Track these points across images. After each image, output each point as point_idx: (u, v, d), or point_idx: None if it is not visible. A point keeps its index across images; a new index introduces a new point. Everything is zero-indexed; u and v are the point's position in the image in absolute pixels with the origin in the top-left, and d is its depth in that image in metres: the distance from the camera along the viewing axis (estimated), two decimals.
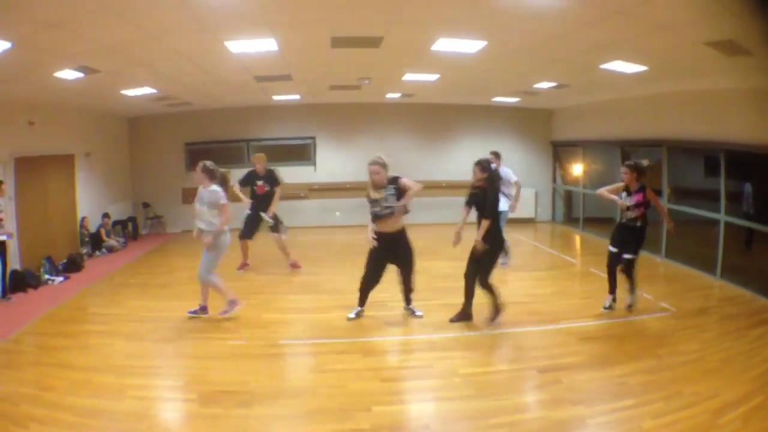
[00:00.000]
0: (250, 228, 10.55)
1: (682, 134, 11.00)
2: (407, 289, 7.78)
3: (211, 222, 7.54)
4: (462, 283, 7.50)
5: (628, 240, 7.70)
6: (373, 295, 7.64)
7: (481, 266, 7.27)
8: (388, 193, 7.18)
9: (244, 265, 10.91)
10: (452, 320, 7.52)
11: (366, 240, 7.37)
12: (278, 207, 10.63)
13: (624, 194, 7.67)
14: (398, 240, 7.44)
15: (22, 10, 5.30)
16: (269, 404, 5.34)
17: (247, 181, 10.51)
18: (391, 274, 7.63)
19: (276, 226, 10.49)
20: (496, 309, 7.36)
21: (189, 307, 8.11)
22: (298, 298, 8.68)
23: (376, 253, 7.47)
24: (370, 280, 7.62)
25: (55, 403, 5.30)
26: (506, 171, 10.38)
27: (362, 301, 7.75)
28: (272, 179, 10.58)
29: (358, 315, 7.72)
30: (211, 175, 7.63)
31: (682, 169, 12.02)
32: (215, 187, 7.57)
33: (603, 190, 7.99)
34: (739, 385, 5.48)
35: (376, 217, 7.27)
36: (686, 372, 5.86)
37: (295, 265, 10.93)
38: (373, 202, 7.24)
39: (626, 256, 7.70)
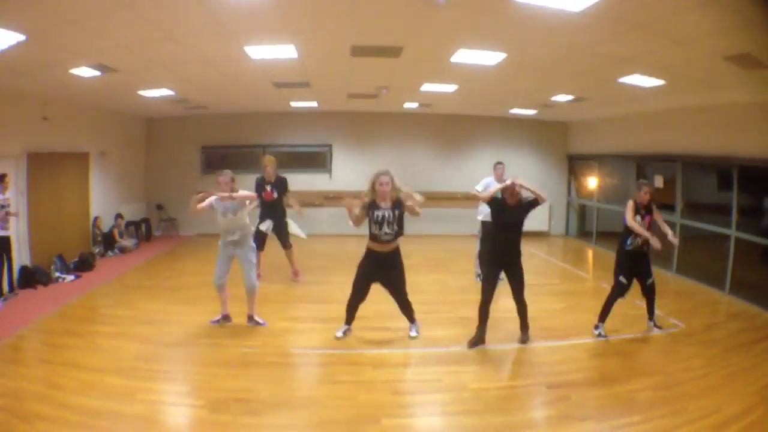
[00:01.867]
0: (259, 240, 9.81)
1: (696, 149, 10.99)
2: (407, 311, 7.52)
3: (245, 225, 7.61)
4: (477, 297, 7.40)
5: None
6: (384, 307, 7.58)
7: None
8: (392, 215, 6.97)
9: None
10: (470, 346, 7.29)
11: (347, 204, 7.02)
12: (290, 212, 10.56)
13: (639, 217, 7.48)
14: (391, 260, 7.18)
15: (36, 3, 5.27)
16: (278, 413, 5.32)
17: (257, 188, 10.01)
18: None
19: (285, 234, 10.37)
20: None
21: (200, 312, 8.19)
22: (309, 307, 8.65)
23: (365, 270, 7.23)
24: (356, 299, 7.39)
25: (62, 402, 5.33)
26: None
27: (350, 318, 7.52)
28: (281, 186, 10.30)
29: (346, 333, 7.50)
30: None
31: (695, 184, 11.96)
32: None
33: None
34: (741, 400, 5.59)
35: (375, 239, 7.02)
36: (692, 388, 5.92)
37: (296, 274, 10.79)
38: (376, 218, 6.95)
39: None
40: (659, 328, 7.78)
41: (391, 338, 7.48)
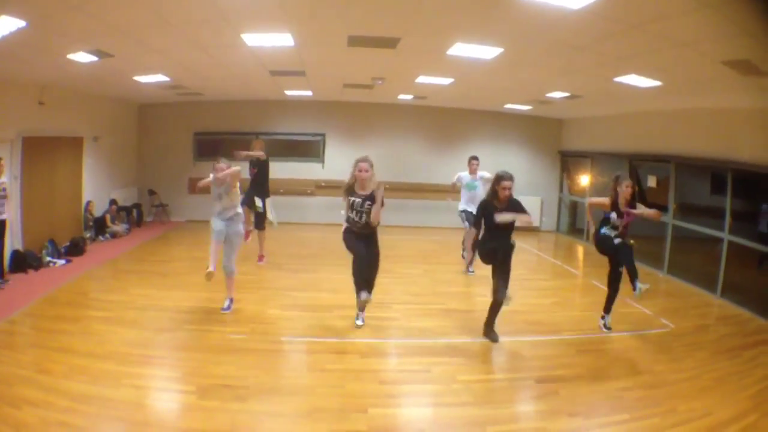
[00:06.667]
0: (258, 220, 10.62)
1: (690, 151, 11.01)
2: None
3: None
4: (466, 289, 7.44)
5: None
6: (374, 296, 7.55)
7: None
8: (363, 205, 7.02)
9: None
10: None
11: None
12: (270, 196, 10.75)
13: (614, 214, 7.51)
14: (369, 237, 7.23)
15: None
16: (267, 400, 5.35)
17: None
18: (393, 275, 7.57)
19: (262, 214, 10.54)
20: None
21: (190, 297, 8.21)
22: (299, 295, 8.66)
23: (353, 243, 7.17)
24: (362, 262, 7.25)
25: (51, 387, 5.32)
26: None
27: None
28: (265, 166, 10.59)
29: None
30: None
31: (688, 186, 12.01)
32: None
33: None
34: (732, 405, 5.57)
35: (352, 225, 7.14)
36: (682, 389, 5.92)
37: (261, 258, 10.96)
38: (351, 204, 7.06)
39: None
40: (608, 329, 7.75)
41: (380, 327, 7.52)
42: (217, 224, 7.78)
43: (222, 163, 7.68)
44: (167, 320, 7.47)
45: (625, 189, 7.40)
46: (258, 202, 10.38)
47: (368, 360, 6.47)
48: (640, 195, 12.98)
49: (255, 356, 6.39)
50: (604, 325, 7.74)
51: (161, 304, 8.13)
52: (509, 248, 7.03)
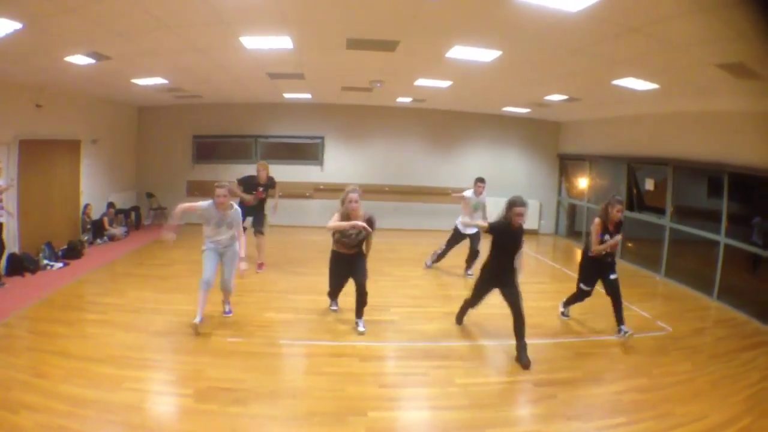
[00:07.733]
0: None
1: (688, 154, 11.03)
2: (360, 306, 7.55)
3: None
4: (464, 293, 7.48)
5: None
6: (372, 300, 7.56)
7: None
8: (360, 234, 7.33)
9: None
10: None
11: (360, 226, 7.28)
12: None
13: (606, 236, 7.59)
14: (357, 257, 7.54)
15: None
16: (265, 404, 5.35)
17: (248, 186, 10.46)
18: (392, 278, 7.56)
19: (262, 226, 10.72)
20: None
21: (188, 301, 8.15)
22: (297, 298, 8.65)
23: (336, 269, 7.74)
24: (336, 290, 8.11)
25: (48, 391, 5.31)
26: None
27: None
28: (271, 185, 10.78)
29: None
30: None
31: (686, 189, 12.01)
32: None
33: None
34: (727, 407, 5.60)
35: (342, 246, 7.51)
36: (678, 392, 5.95)
37: (260, 266, 10.93)
38: (348, 233, 7.38)
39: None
40: (627, 332, 7.51)
41: (379, 330, 7.52)
42: (209, 254, 7.62)
43: (223, 188, 7.43)
44: (165, 323, 7.46)
45: (615, 213, 7.47)
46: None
47: (367, 363, 6.46)
48: (638, 198, 13.02)
49: (254, 360, 6.39)
50: (623, 332, 7.57)
51: (159, 308, 8.13)
52: (513, 270, 7.00)
